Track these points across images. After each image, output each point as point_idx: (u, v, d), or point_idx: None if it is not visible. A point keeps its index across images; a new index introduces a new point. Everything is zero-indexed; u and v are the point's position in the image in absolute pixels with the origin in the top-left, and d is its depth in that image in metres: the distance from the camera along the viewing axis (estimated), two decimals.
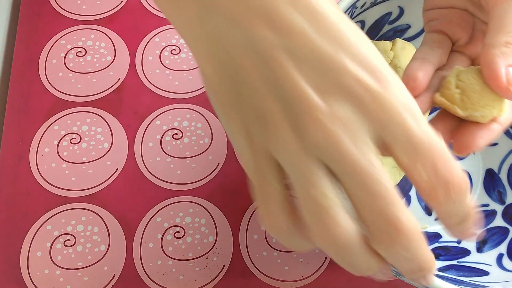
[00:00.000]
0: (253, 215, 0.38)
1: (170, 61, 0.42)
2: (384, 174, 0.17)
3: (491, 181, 0.39)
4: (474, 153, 0.40)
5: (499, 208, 0.37)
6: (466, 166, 0.40)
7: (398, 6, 0.36)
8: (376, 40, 0.37)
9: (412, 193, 0.38)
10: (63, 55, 0.42)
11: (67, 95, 0.40)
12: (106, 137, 0.39)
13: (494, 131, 0.24)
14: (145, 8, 0.45)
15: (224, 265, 0.36)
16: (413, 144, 0.17)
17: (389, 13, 0.36)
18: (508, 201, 0.37)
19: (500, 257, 0.34)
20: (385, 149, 0.17)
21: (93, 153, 0.38)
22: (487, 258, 0.34)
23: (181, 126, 0.40)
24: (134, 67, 0.42)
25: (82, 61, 0.42)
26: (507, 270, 0.33)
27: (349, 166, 0.17)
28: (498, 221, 0.37)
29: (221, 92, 0.19)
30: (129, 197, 0.37)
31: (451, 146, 0.23)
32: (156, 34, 0.43)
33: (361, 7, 0.33)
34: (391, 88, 0.17)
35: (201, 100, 0.41)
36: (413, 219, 0.17)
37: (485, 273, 0.32)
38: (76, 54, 0.42)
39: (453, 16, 0.28)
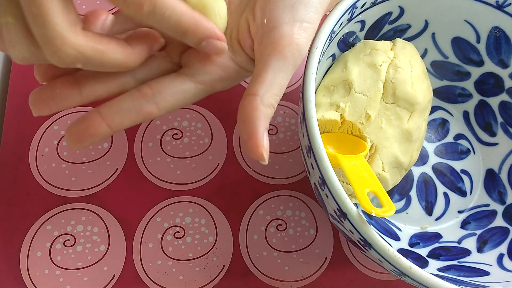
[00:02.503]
0: (253, 215, 0.38)
1: None
2: None
3: (491, 181, 0.39)
4: (474, 153, 0.40)
5: (499, 208, 0.37)
6: (466, 166, 0.40)
7: (399, 6, 0.36)
8: (376, 40, 0.37)
9: (412, 193, 0.38)
10: None
11: None
12: None
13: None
14: None
15: (224, 265, 0.36)
16: None
17: (390, 13, 0.36)
18: (508, 201, 0.37)
19: (500, 257, 0.34)
20: None
21: (93, 153, 0.38)
22: (487, 258, 0.34)
23: (181, 126, 0.40)
24: None
25: None
26: (507, 270, 0.33)
27: None
28: (499, 221, 0.37)
29: None
30: (129, 197, 0.37)
31: None
32: None
33: (361, 7, 0.33)
34: None
35: (201, 100, 0.41)
36: None
37: (486, 273, 0.32)
38: None
39: None
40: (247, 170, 0.39)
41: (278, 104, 0.42)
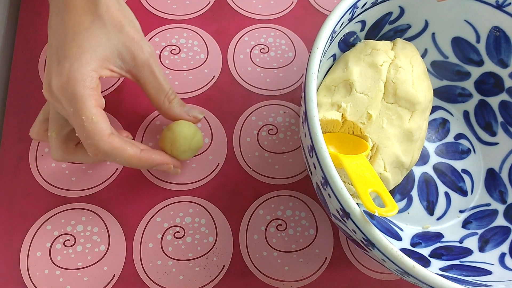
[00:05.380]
0: (253, 215, 0.38)
1: (170, 61, 0.42)
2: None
3: (492, 181, 0.39)
4: (475, 153, 0.40)
5: (500, 208, 0.37)
6: (467, 165, 0.40)
7: (399, 6, 0.36)
8: (376, 40, 0.37)
9: (414, 192, 0.38)
10: None
11: None
12: None
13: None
14: (145, 8, 0.45)
15: (224, 265, 0.36)
16: None
17: (390, 13, 0.36)
18: (509, 201, 0.37)
19: (502, 256, 0.34)
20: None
21: None
22: (489, 258, 0.34)
23: None
24: None
25: None
26: (509, 269, 0.33)
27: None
28: (500, 221, 0.37)
29: None
30: (129, 197, 0.37)
31: None
32: (156, 34, 0.43)
33: (362, 7, 0.33)
34: None
35: (201, 100, 0.41)
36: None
37: (488, 272, 0.32)
38: None
39: None
40: (247, 170, 0.39)
41: (278, 104, 0.42)
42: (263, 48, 0.44)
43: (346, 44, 0.36)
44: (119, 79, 0.41)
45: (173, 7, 0.45)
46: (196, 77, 0.42)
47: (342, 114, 0.33)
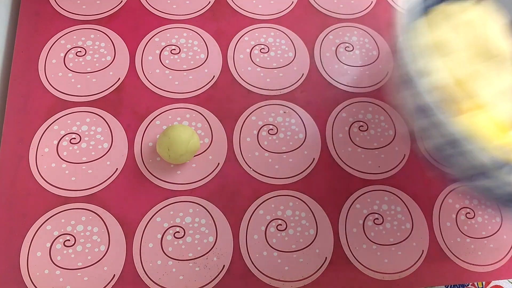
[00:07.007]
0: (253, 215, 0.38)
1: (170, 61, 0.42)
2: None
3: None
4: None
5: None
6: None
7: None
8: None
9: None
10: (62, 55, 0.42)
11: (67, 95, 0.40)
12: (106, 137, 0.39)
13: None
14: (145, 8, 0.44)
15: (224, 265, 0.36)
16: None
17: None
18: None
19: None
20: None
21: (93, 153, 0.38)
22: None
23: None
24: (134, 67, 0.42)
25: (82, 61, 0.41)
26: None
27: None
28: None
29: None
30: (129, 197, 0.37)
31: None
32: (156, 34, 0.43)
33: None
34: None
35: (201, 100, 0.41)
36: None
37: None
38: (76, 54, 0.42)
39: None
40: (247, 170, 0.39)
41: (278, 104, 0.42)
42: (263, 48, 0.44)
43: (434, 5, 0.35)
44: (119, 78, 0.41)
45: (173, 7, 0.45)
46: (196, 77, 0.42)
47: (446, 76, 0.32)
